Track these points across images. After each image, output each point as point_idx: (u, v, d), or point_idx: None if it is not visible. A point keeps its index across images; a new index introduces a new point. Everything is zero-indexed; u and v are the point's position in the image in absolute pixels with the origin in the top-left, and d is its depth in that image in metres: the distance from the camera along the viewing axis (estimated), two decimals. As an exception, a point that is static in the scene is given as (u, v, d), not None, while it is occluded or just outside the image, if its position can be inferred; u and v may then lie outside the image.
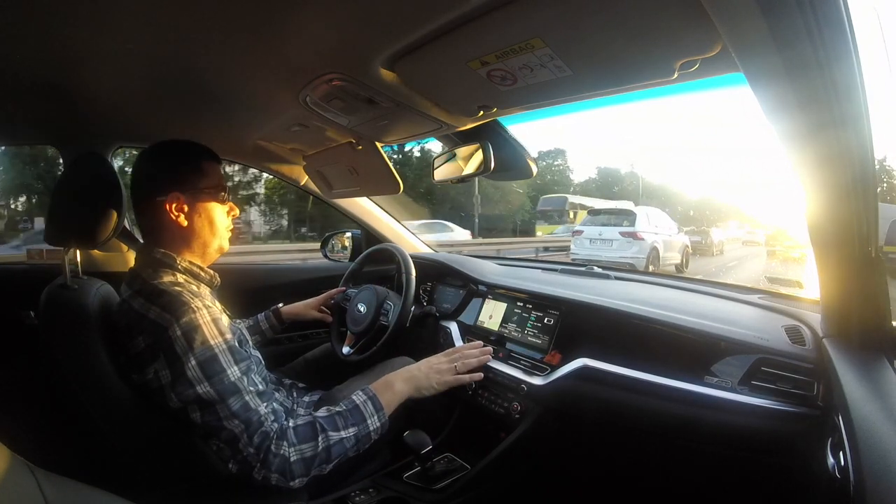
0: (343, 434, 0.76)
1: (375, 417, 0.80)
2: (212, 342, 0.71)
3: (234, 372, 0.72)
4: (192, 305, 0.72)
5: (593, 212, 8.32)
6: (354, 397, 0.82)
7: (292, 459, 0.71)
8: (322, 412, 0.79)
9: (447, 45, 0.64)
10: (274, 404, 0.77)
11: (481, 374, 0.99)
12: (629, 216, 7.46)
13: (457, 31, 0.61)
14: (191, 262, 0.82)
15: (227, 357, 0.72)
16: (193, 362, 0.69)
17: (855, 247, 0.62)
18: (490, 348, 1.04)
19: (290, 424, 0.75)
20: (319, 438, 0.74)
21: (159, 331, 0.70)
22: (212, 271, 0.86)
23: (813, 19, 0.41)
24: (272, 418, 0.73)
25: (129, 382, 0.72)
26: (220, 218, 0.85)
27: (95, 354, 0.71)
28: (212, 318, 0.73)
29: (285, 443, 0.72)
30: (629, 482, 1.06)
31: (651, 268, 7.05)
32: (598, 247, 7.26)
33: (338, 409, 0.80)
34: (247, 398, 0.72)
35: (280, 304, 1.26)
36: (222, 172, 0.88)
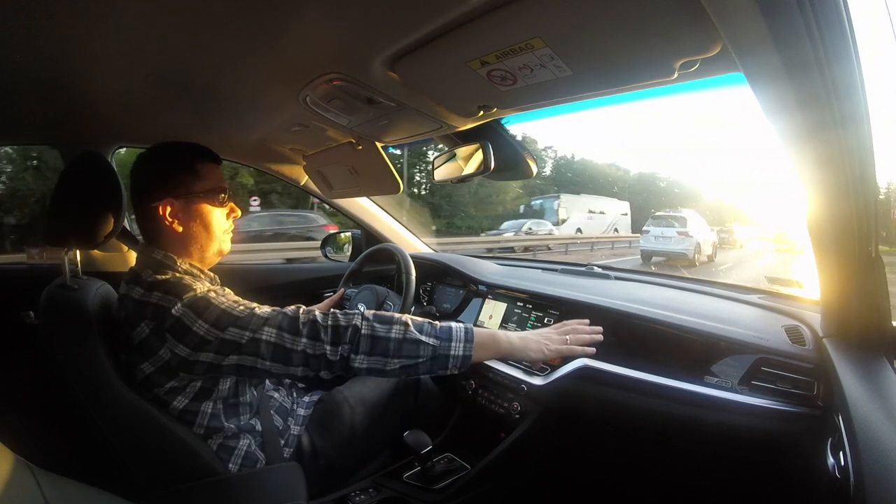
0: (423, 338, 0.72)
1: (461, 345, 0.74)
2: (217, 302, 0.71)
3: (252, 318, 0.71)
4: (194, 286, 0.72)
5: (655, 217, 10.68)
6: (452, 322, 0.77)
7: (363, 332, 0.70)
8: (416, 318, 0.76)
9: (447, 45, 0.64)
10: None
11: (594, 350, 0.84)
12: (681, 220, 9.65)
13: (457, 31, 0.61)
14: (191, 265, 0.82)
15: (236, 309, 0.71)
16: (206, 325, 0.69)
17: (855, 247, 0.62)
18: (600, 328, 0.86)
19: (365, 311, 0.74)
20: (397, 325, 0.72)
21: (162, 312, 0.69)
22: (211, 273, 0.86)
23: (813, 19, 0.41)
24: (301, 309, 0.73)
25: (130, 381, 0.72)
26: (217, 222, 0.84)
27: (95, 354, 0.71)
28: (215, 293, 0.73)
29: (359, 317, 0.72)
30: (629, 482, 1.06)
31: (696, 256, 9.22)
32: (661, 242, 9.47)
33: (430, 321, 0.76)
34: (259, 313, 0.71)
35: None
36: (221, 173, 0.86)
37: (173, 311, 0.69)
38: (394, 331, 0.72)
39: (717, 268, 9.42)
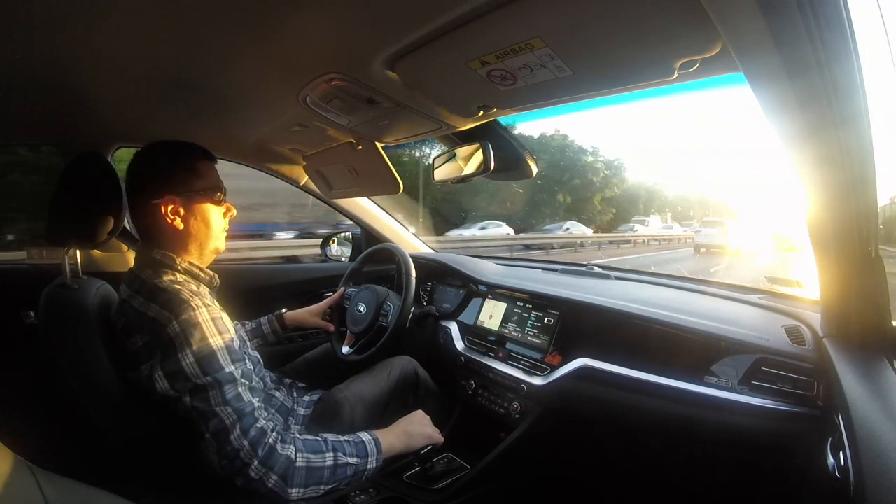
0: (349, 459, 0.75)
1: (374, 458, 0.79)
2: (210, 340, 0.71)
3: (231, 369, 0.72)
4: (192, 303, 0.72)
5: (704, 221, 15.81)
6: (361, 434, 0.81)
7: (297, 465, 0.70)
8: (330, 436, 0.78)
9: (447, 45, 0.64)
10: (270, 408, 0.76)
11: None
12: (722, 224, 14.04)
13: (457, 31, 0.61)
14: (190, 263, 0.82)
15: (224, 356, 0.72)
16: (191, 358, 0.69)
17: (855, 247, 0.62)
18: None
19: (296, 434, 0.74)
20: (328, 454, 0.74)
21: (158, 328, 0.70)
22: (211, 272, 0.86)
23: (813, 19, 0.41)
24: (266, 415, 0.72)
25: (129, 382, 0.72)
26: (215, 219, 0.84)
27: (95, 354, 0.71)
28: (211, 316, 0.73)
29: (291, 447, 0.71)
30: (629, 482, 1.06)
31: (730, 248, 12.85)
32: (709, 238, 13.56)
33: (344, 438, 0.79)
34: (240, 389, 0.71)
35: (283, 310, 1.24)
36: (218, 173, 0.87)
37: (168, 329, 0.69)
38: (328, 458, 0.73)
39: (741, 257, 12.60)
